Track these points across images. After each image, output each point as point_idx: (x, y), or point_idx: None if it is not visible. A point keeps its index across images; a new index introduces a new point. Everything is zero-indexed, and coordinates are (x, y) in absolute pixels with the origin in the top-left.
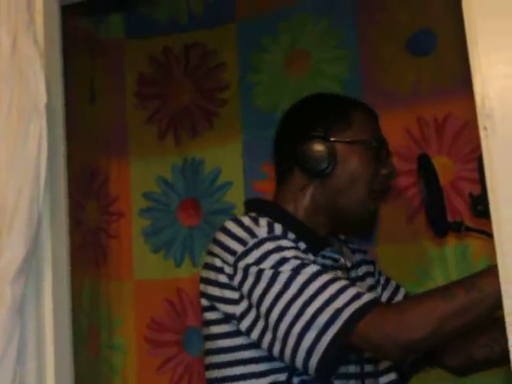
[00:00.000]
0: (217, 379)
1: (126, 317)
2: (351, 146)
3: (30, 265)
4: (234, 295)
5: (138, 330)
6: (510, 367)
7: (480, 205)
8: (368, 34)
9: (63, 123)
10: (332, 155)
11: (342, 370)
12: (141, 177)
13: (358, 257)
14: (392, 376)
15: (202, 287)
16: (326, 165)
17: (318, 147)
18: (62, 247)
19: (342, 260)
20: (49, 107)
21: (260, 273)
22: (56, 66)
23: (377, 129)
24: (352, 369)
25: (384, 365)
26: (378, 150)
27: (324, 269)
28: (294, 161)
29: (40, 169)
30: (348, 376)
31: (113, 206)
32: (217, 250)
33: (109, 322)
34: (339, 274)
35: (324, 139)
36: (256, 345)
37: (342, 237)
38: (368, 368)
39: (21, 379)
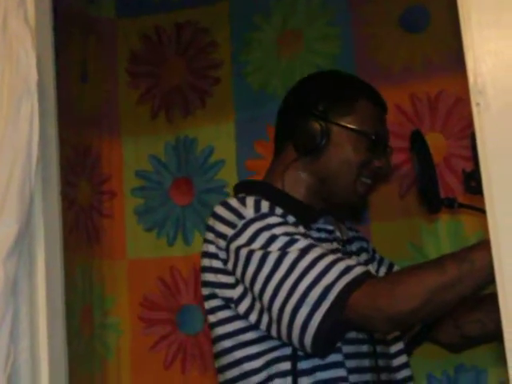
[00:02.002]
0: (225, 366)
1: (119, 296)
2: (348, 132)
3: (22, 244)
4: (230, 280)
5: (132, 309)
6: (502, 343)
7: (473, 181)
8: (361, 11)
9: (55, 102)
10: (325, 136)
11: (352, 335)
12: (133, 155)
13: (350, 233)
14: (400, 345)
15: (202, 276)
16: (316, 143)
17: (314, 125)
18: (55, 226)
19: (338, 233)
20: (40, 86)
21: (250, 254)
22: (47, 45)
23: (380, 121)
24: (362, 335)
25: (393, 334)
26: (374, 142)
27: (314, 243)
28: (287, 135)
29: (32, 148)
30: (360, 341)
31: (105, 185)
32: (210, 236)
33: (102, 301)
34: (335, 245)
35: (322, 118)
36: (255, 327)
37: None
38: (378, 335)
39: (14, 358)
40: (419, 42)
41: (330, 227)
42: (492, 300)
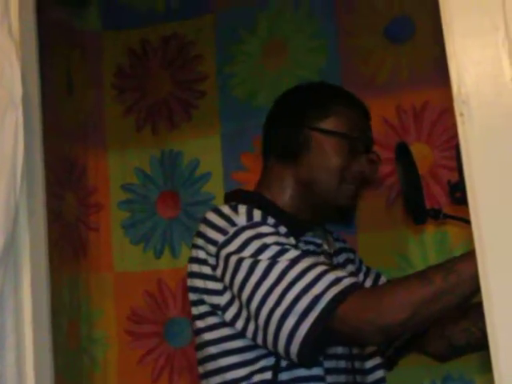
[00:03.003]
0: (208, 372)
1: (106, 309)
2: (326, 136)
3: (7, 258)
4: (218, 286)
5: (119, 322)
6: (488, 352)
7: (458, 192)
8: (345, 23)
9: (40, 114)
10: (304, 142)
11: (332, 350)
12: (119, 169)
13: (338, 245)
14: (377, 360)
15: (189, 281)
16: (295, 151)
17: (291, 133)
18: (41, 239)
19: (325, 246)
20: (25, 99)
21: (240, 262)
22: (32, 58)
23: (358, 124)
24: (341, 350)
25: (370, 349)
26: (353, 145)
27: (305, 253)
28: (269, 147)
29: (17, 160)
30: (338, 357)
31: (91, 198)
32: (200, 242)
33: (89, 314)
34: (322, 259)
35: (298, 126)
36: (241, 334)
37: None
38: (356, 350)
39: (0, 373)
40: (404, 53)
41: (319, 241)
42: (479, 309)
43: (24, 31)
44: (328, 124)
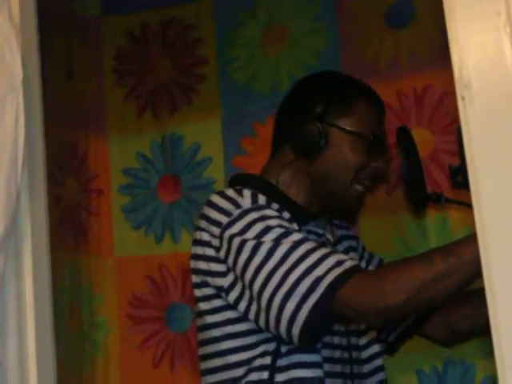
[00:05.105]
0: (209, 354)
1: (107, 294)
2: (345, 134)
3: (9, 242)
4: (222, 268)
5: (120, 307)
6: (489, 337)
7: (459, 176)
8: (346, 7)
9: (40, 99)
10: (323, 138)
11: (333, 340)
12: (120, 153)
13: (339, 232)
14: (376, 348)
15: (193, 263)
16: (314, 145)
17: (311, 127)
18: (42, 224)
19: (328, 235)
20: (25, 84)
21: (243, 243)
22: (32, 43)
23: (378, 122)
24: (337, 340)
25: (365, 339)
26: (372, 144)
27: (308, 237)
28: (285, 136)
29: (18, 145)
30: (335, 347)
31: (92, 183)
32: (203, 224)
33: (90, 299)
34: None
35: (319, 120)
36: (244, 318)
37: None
38: (354, 340)
39: (2, 358)
40: (405, 37)
41: (321, 231)
42: (480, 294)
43: (24, 16)
44: (349, 122)
